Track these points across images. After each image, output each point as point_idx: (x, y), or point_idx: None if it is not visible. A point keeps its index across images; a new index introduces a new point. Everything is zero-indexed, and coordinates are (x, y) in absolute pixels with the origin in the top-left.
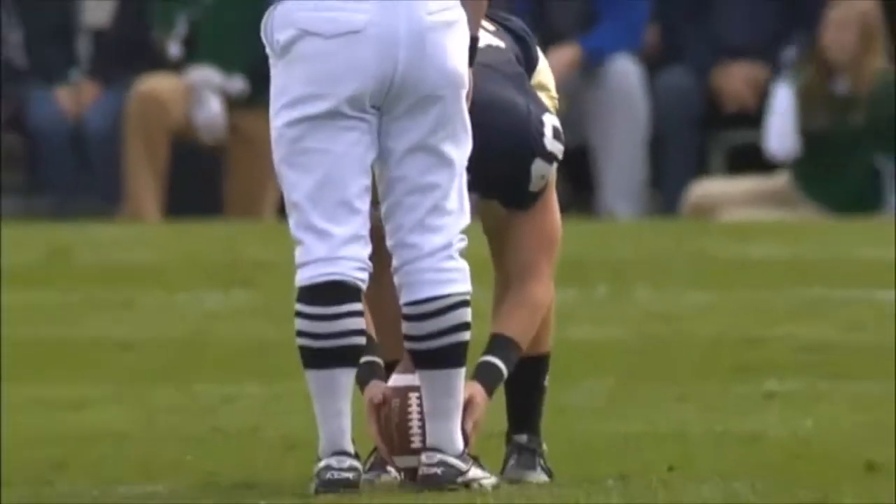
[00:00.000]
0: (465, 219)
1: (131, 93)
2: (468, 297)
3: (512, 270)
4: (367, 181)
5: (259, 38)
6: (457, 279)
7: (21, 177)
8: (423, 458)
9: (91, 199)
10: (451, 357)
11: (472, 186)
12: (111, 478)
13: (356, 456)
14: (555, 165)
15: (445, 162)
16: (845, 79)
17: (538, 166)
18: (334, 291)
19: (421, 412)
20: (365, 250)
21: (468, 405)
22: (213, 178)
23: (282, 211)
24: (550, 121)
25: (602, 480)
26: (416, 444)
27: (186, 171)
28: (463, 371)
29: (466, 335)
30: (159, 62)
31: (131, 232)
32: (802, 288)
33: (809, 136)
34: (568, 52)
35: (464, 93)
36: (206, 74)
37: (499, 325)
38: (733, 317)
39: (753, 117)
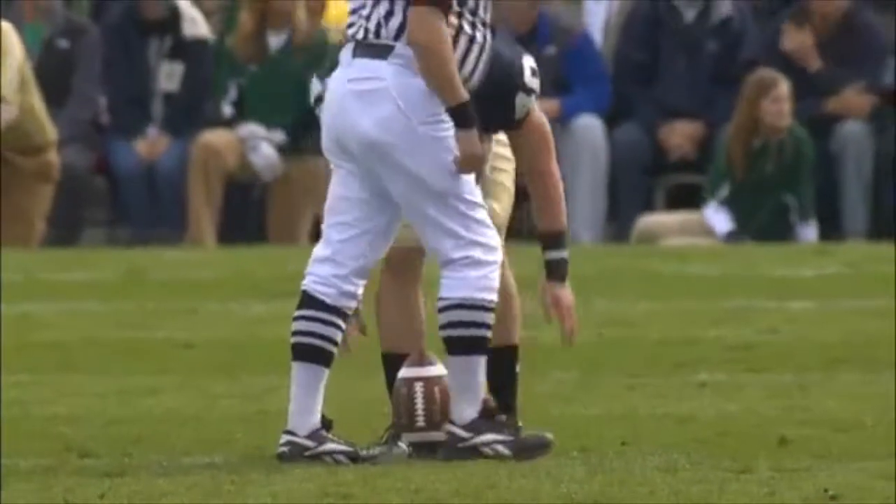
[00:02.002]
0: (473, 234)
1: (194, 144)
2: (464, 302)
3: (528, 169)
4: (344, 217)
5: (293, 98)
6: (457, 286)
7: (106, 212)
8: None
9: (161, 229)
10: (453, 346)
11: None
12: (178, 450)
13: (291, 432)
14: (534, 97)
15: (432, 196)
16: (760, 134)
17: (521, 99)
18: (302, 299)
19: (424, 398)
20: (332, 270)
21: (558, 304)
22: (259, 211)
23: (314, 236)
24: (528, 63)
25: (568, 452)
26: (420, 423)
27: (237, 205)
28: (468, 359)
29: (462, 331)
30: (216, 120)
31: (193, 254)
32: (728, 299)
33: (733, 179)
34: (550, 106)
35: (399, 147)
36: (252, 129)
37: (544, 222)
38: (673, 322)
39: (690, 164)
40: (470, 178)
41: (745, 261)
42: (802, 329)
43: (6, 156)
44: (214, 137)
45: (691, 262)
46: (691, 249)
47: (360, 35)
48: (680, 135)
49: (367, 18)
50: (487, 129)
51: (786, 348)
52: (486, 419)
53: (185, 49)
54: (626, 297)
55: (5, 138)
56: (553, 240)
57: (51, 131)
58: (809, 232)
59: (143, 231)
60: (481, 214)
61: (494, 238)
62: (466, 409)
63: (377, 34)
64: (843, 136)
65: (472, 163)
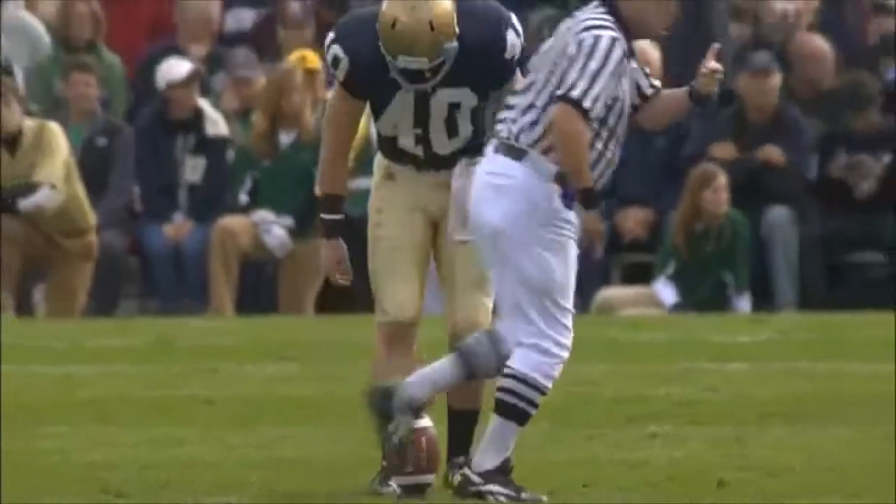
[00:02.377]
0: (551, 330)
1: (214, 228)
2: (527, 379)
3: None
4: None
5: (300, 188)
6: (527, 363)
7: (138, 286)
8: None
9: (186, 301)
10: (502, 409)
11: (462, 80)
12: (200, 492)
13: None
14: (520, 39)
15: (530, 291)
16: (702, 220)
17: (511, 36)
18: None
19: (414, 446)
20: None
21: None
22: (271, 285)
23: (318, 307)
24: (512, 14)
25: (538, 494)
26: (409, 468)
27: (252, 280)
28: (508, 423)
29: (515, 401)
30: (233, 207)
31: (214, 323)
32: (674, 362)
33: (678, 258)
34: None
35: (516, 240)
36: (264, 215)
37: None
38: (628, 382)
39: (641, 245)
40: (570, 286)
41: (689, 329)
42: (739, 388)
43: (54, 237)
44: (232, 222)
45: (643, 330)
46: (643, 319)
47: (504, 135)
48: (633, 220)
49: (514, 122)
50: (477, 80)
51: (724, 404)
52: (501, 474)
53: (207, 145)
54: (587, 359)
55: (53, 222)
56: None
57: (91, 217)
58: (744, 304)
59: (171, 303)
60: (567, 320)
61: (569, 340)
62: (488, 461)
63: (517, 138)
64: (772, 220)
65: (595, 237)
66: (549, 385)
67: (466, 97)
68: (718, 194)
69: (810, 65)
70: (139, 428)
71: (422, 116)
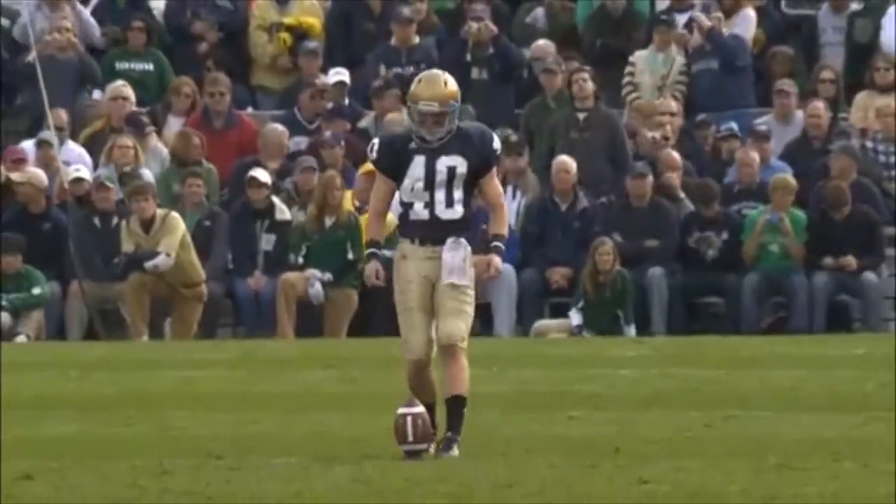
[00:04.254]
0: None
1: (280, 280)
2: None
3: (490, 200)
4: None
5: (338, 254)
6: None
7: (231, 319)
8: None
9: (263, 329)
10: None
11: (457, 150)
12: (270, 454)
13: None
14: (499, 141)
15: None
16: (601, 274)
17: (496, 138)
18: None
19: (413, 425)
20: None
21: (492, 262)
22: (318, 318)
23: (350, 333)
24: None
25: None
26: (410, 439)
27: (304, 317)
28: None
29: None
30: (292, 266)
31: (281, 343)
32: (585, 369)
33: (587, 300)
34: (483, 259)
35: None
36: (313, 272)
37: (494, 229)
38: (555, 382)
39: (563, 292)
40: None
41: (594, 347)
42: (627, 386)
43: (176, 287)
44: (290, 277)
45: (563, 347)
46: (564, 340)
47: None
48: (558, 275)
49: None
50: (478, 166)
51: (618, 397)
52: None
53: (276, 226)
54: (528, 366)
55: (175, 278)
56: (497, 237)
57: (201, 273)
58: (631, 330)
59: (252, 331)
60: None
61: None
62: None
63: None
64: (650, 276)
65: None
66: None
67: (460, 164)
68: (607, 257)
69: (674, 171)
70: (232, 413)
71: (430, 178)
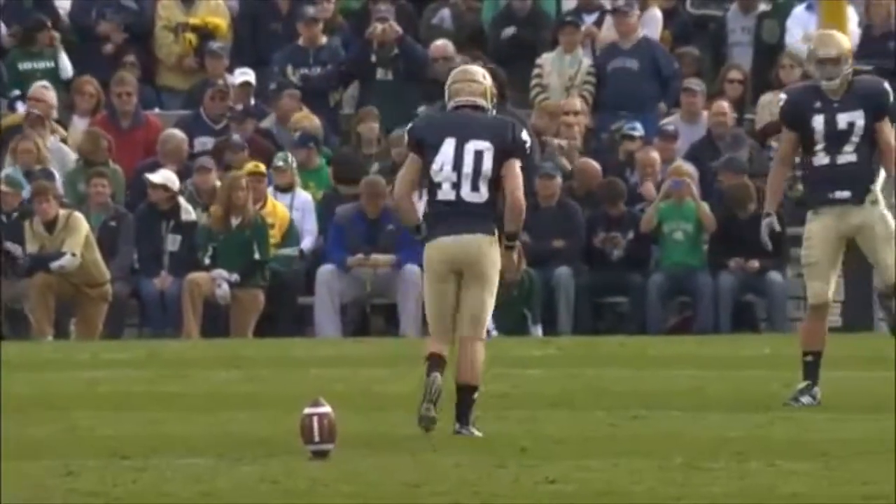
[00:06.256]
0: None
1: (186, 281)
2: None
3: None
4: None
5: (244, 254)
6: None
7: (137, 319)
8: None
9: (168, 329)
10: None
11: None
12: (175, 455)
13: None
14: (526, 132)
15: None
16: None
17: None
18: None
19: (319, 425)
20: None
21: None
22: (224, 319)
23: (257, 333)
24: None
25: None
26: (316, 439)
27: (211, 315)
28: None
29: None
30: (199, 266)
31: (187, 343)
32: (493, 369)
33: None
34: (387, 260)
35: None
36: (219, 272)
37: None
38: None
39: None
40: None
41: (502, 347)
42: (534, 385)
43: (81, 287)
44: (198, 277)
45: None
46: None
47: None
48: None
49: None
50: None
51: (526, 396)
52: None
53: (182, 226)
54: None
55: (80, 278)
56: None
57: (106, 273)
58: (538, 330)
59: (158, 330)
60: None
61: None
62: None
63: None
64: (557, 276)
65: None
66: None
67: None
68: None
69: (583, 174)
70: (138, 412)
71: (458, 161)
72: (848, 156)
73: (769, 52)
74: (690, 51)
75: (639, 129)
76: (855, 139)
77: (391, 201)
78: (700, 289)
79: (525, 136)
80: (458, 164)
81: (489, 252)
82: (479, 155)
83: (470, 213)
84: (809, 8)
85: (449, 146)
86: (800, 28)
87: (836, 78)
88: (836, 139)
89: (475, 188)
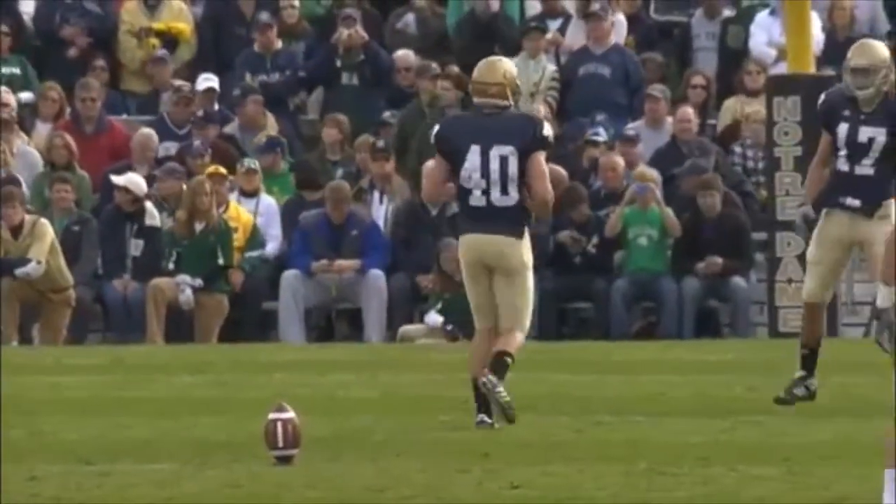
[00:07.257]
0: None
1: (150, 285)
2: None
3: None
4: None
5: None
6: None
7: (100, 324)
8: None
9: (132, 334)
10: None
11: (524, 148)
12: (146, 460)
13: None
14: (548, 126)
15: None
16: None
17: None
18: None
19: (283, 430)
20: None
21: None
22: (189, 324)
23: (221, 338)
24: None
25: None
26: (280, 444)
27: (176, 320)
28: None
29: None
30: (162, 272)
31: (151, 348)
32: (455, 373)
33: (443, 301)
34: (352, 265)
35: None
36: (183, 277)
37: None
38: (427, 386)
39: (425, 298)
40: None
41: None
42: None
43: (45, 292)
44: (161, 282)
45: (432, 352)
46: (433, 345)
47: None
48: (425, 280)
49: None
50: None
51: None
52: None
53: (145, 232)
54: (394, 369)
55: (43, 283)
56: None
57: (69, 278)
58: None
59: (122, 336)
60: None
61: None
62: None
63: None
64: None
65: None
66: None
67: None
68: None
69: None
70: (103, 417)
71: (485, 168)
72: (866, 168)
73: (734, 57)
74: (654, 56)
75: (602, 135)
76: (874, 154)
77: (353, 207)
78: (664, 294)
79: (547, 130)
80: (485, 171)
81: (516, 250)
82: (504, 160)
83: (501, 215)
84: (773, 13)
85: (475, 154)
86: (764, 33)
87: (868, 88)
88: (856, 150)
89: (505, 192)
